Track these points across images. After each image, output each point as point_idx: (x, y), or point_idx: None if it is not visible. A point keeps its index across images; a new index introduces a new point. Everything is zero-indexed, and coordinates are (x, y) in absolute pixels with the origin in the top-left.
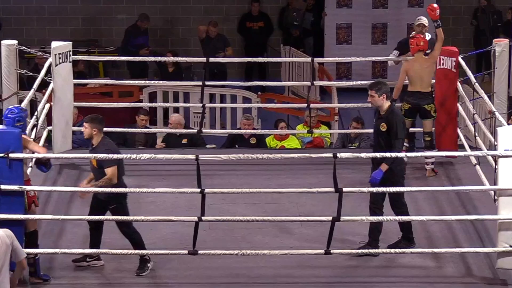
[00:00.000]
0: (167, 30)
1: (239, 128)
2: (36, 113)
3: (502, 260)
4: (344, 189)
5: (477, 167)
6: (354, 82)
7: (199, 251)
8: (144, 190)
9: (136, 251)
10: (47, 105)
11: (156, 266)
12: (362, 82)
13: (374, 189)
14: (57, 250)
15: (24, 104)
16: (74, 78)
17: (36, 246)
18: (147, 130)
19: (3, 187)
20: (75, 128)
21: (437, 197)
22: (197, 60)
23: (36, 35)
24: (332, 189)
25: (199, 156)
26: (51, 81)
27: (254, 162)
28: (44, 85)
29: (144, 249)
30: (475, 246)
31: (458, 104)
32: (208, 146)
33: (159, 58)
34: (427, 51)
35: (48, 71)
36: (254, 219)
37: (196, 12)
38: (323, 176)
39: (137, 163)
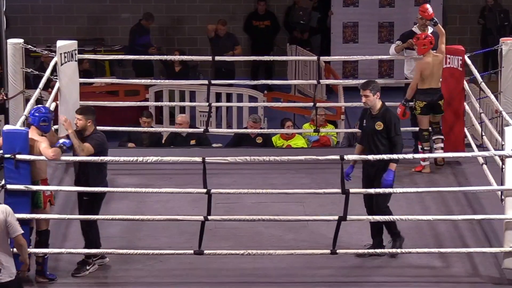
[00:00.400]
0: (174, 29)
1: (246, 127)
2: None
3: (509, 260)
4: (351, 190)
5: (484, 166)
6: (361, 81)
7: (205, 251)
8: (150, 190)
9: (141, 251)
10: (53, 104)
11: (162, 265)
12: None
13: (381, 190)
14: (63, 250)
15: (31, 103)
16: (80, 77)
17: (47, 245)
18: (154, 129)
19: (9, 186)
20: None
21: (444, 196)
22: (203, 59)
23: (42, 33)
24: (339, 190)
25: (206, 158)
26: (57, 80)
27: (260, 161)
28: (50, 84)
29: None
30: (482, 246)
31: (465, 103)
32: (214, 145)
33: (165, 57)
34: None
35: (54, 70)
36: (260, 218)
37: (202, 11)
38: (329, 175)
39: (144, 162)
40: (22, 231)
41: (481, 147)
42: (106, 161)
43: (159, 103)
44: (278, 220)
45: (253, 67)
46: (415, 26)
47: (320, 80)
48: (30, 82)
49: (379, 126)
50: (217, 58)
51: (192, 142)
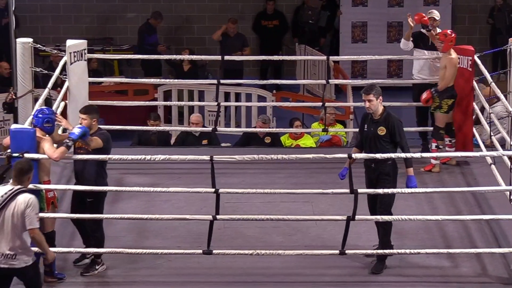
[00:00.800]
0: (182, 28)
1: (254, 127)
2: None
3: None
4: (360, 190)
5: (493, 166)
6: (370, 81)
7: (214, 251)
8: (158, 189)
9: (150, 251)
10: (62, 103)
11: (171, 265)
12: (378, 81)
13: (390, 190)
14: (71, 249)
15: (40, 102)
16: (89, 77)
17: (54, 247)
18: (162, 128)
19: None
20: (100, 127)
21: (453, 196)
22: (212, 58)
23: (51, 33)
24: (347, 190)
25: (214, 157)
26: (66, 79)
27: (268, 160)
28: (58, 83)
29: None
30: (491, 246)
31: (474, 103)
32: (222, 144)
33: (174, 56)
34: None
35: (63, 69)
36: (269, 218)
37: (211, 10)
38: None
39: (153, 162)
40: (38, 226)
41: (490, 147)
42: (108, 160)
43: (168, 103)
44: (287, 220)
45: (261, 67)
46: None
47: (329, 80)
48: (39, 81)
49: (381, 131)
50: (226, 57)
51: (204, 142)
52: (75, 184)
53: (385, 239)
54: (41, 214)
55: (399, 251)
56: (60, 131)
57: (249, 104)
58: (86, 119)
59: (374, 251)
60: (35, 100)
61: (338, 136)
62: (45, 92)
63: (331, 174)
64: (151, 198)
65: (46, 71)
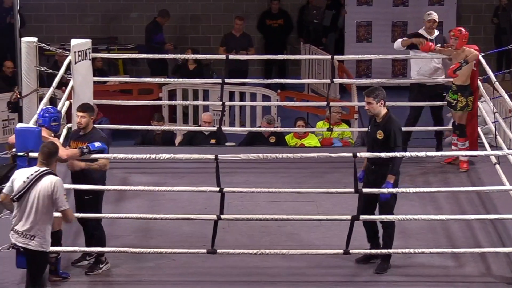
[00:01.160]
0: (187, 28)
1: (259, 127)
2: None
3: None
4: (364, 190)
5: (497, 166)
6: (374, 80)
7: (218, 250)
8: (163, 188)
9: (154, 250)
10: (67, 103)
11: (175, 264)
12: (382, 80)
13: (394, 190)
14: (76, 248)
15: (44, 102)
16: (94, 76)
17: (60, 246)
18: (167, 127)
19: None
20: (95, 126)
21: (457, 196)
22: (217, 58)
23: (56, 32)
24: (352, 190)
25: (219, 156)
26: (71, 79)
27: (273, 160)
28: (63, 82)
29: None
30: (495, 246)
31: (479, 103)
32: (227, 144)
33: (179, 55)
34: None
35: (68, 69)
36: (273, 217)
37: (216, 10)
38: (342, 174)
39: (157, 161)
40: (68, 207)
41: (495, 146)
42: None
43: (172, 102)
44: (291, 219)
45: (266, 66)
46: (422, 28)
47: (334, 79)
48: (44, 80)
49: (379, 135)
50: (231, 57)
51: (212, 141)
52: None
53: (389, 242)
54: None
55: (404, 250)
56: (64, 131)
57: (253, 103)
58: (85, 116)
59: (379, 251)
60: (40, 99)
61: (348, 142)
62: (49, 91)
63: (336, 173)
64: (155, 197)
65: (51, 70)
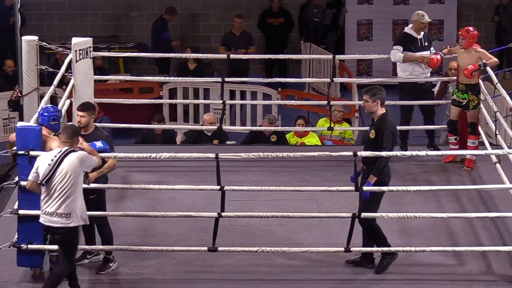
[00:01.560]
0: (188, 26)
1: (260, 125)
2: None
3: None
4: (365, 188)
5: (498, 165)
6: (375, 79)
7: (219, 248)
8: (164, 186)
9: (155, 248)
10: (68, 101)
11: (176, 262)
12: (382, 79)
13: (394, 188)
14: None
15: (45, 100)
16: (94, 74)
17: None
18: (168, 126)
19: (23, 183)
20: (96, 124)
21: (458, 194)
22: (217, 57)
23: (57, 31)
24: (352, 188)
25: (219, 154)
26: (72, 77)
27: (273, 158)
28: (64, 81)
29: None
30: (496, 244)
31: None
32: (228, 142)
33: (180, 54)
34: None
35: (69, 67)
36: (274, 215)
37: (217, 8)
38: (343, 172)
39: (158, 159)
40: (95, 162)
41: (495, 145)
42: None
43: (173, 101)
44: (292, 217)
45: (267, 65)
46: (409, 27)
47: (334, 78)
48: (45, 79)
49: (372, 134)
50: (232, 56)
51: (215, 141)
52: None
53: (374, 241)
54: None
55: (405, 248)
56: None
57: (254, 102)
58: (85, 116)
59: (380, 249)
60: (41, 98)
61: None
62: (50, 90)
63: (336, 172)
64: (156, 195)
65: (52, 69)
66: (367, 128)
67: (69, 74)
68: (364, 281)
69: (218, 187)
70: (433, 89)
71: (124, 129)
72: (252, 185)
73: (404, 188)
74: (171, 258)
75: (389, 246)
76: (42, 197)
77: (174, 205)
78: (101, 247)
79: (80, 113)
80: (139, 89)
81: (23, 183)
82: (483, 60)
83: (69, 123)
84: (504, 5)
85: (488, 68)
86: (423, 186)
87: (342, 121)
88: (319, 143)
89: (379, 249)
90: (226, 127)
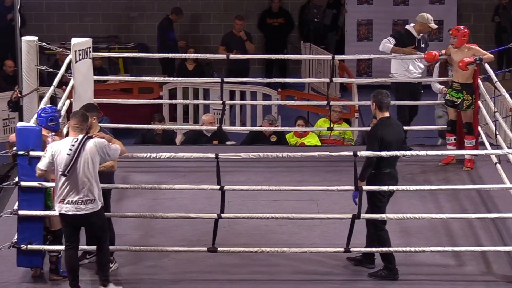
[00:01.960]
0: (188, 27)
1: (260, 126)
2: None
3: None
4: (364, 188)
5: (498, 165)
6: (374, 80)
7: (219, 249)
8: (163, 186)
9: (155, 248)
10: (67, 102)
11: (176, 262)
12: (381, 79)
13: (394, 188)
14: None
15: (45, 100)
16: (94, 75)
17: (60, 245)
18: (168, 126)
19: (23, 183)
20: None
21: (458, 195)
22: (217, 57)
23: (56, 31)
24: (352, 188)
25: (219, 154)
26: (71, 78)
27: (273, 159)
28: (64, 81)
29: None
30: (496, 245)
31: (479, 102)
32: (228, 143)
33: (179, 55)
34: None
35: (68, 68)
36: (274, 216)
37: (217, 9)
38: (343, 173)
39: (158, 160)
40: (122, 147)
41: (495, 145)
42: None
43: (173, 101)
44: (292, 218)
45: (267, 65)
46: (411, 25)
47: (333, 79)
48: (45, 79)
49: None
50: (232, 56)
51: (215, 142)
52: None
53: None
54: (49, 213)
55: (404, 249)
56: (65, 130)
57: (254, 102)
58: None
59: (379, 249)
60: (40, 98)
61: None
62: (50, 90)
63: (336, 172)
64: (156, 196)
65: (52, 69)
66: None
67: (69, 75)
68: (363, 281)
69: (218, 187)
70: (422, 91)
71: (124, 129)
72: (252, 185)
73: (404, 188)
74: (171, 258)
75: (391, 261)
76: (62, 187)
77: (174, 205)
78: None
79: None
80: (139, 89)
81: (23, 183)
82: (478, 57)
83: (77, 110)
84: (504, 5)
85: (488, 68)
86: (423, 186)
87: (341, 121)
88: (319, 143)
89: (379, 249)
90: (226, 127)
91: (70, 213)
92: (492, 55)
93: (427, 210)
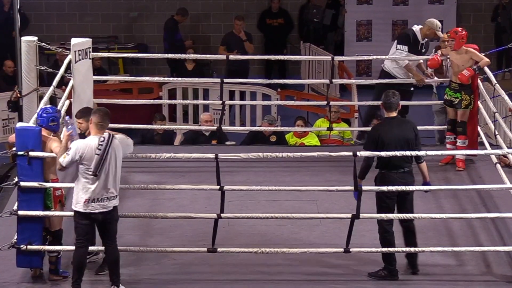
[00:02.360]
0: (187, 27)
1: (259, 126)
2: None
3: None
4: (364, 188)
5: (498, 165)
6: (374, 81)
7: (218, 249)
8: (163, 186)
9: (154, 249)
10: (67, 102)
11: (176, 263)
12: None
13: (394, 188)
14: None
15: (44, 101)
16: (93, 75)
17: (60, 245)
18: (167, 126)
19: (23, 184)
20: None
21: (458, 195)
22: (217, 57)
23: (56, 31)
24: (352, 188)
25: (219, 154)
26: (71, 78)
27: (273, 159)
28: (63, 81)
29: None
30: (496, 244)
31: (479, 102)
32: (227, 143)
33: (178, 55)
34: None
35: (68, 68)
36: (273, 216)
37: (216, 9)
38: (343, 173)
39: (157, 160)
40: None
41: (495, 145)
42: None
43: (172, 101)
44: (291, 218)
45: (266, 65)
46: (417, 29)
47: (333, 80)
48: (44, 79)
49: None
50: (231, 57)
51: (214, 142)
52: None
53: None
54: (49, 213)
55: (404, 249)
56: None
57: (254, 102)
58: (82, 122)
59: (379, 249)
60: (40, 98)
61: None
62: (49, 91)
63: (336, 172)
64: (156, 196)
65: (51, 70)
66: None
67: (69, 75)
68: (363, 281)
69: (218, 187)
70: (411, 89)
71: (123, 129)
72: (252, 185)
73: (404, 188)
74: (171, 258)
75: (391, 263)
76: (88, 185)
77: (174, 206)
78: (101, 247)
79: (78, 120)
80: (139, 89)
81: (22, 183)
82: (477, 64)
83: (99, 107)
84: (504, 5)
85: (487, 69)
86: (423, 186)
87: (340, 121)
88: (319, 144)
89: (379, 249)
90: (226, 127)
91: (97, 211)
92: (488, 60)
93: (427, 210)
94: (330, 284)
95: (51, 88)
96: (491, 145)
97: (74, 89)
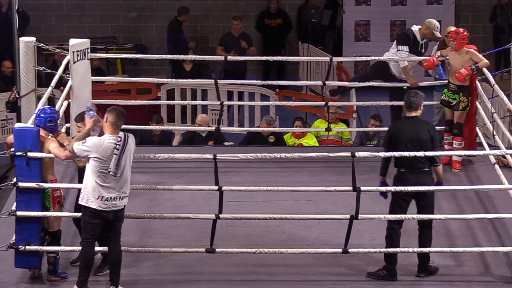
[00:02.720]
0: (186, 27)
1: (258, 126)
2: None
3: None
4: (362, 188)
5: (496, 166)
6: (368, 84)
7: (217, 249)
8: (161, 187)
9: (153, 249)
10: (65, 102)
11: (174, 263)
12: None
13: (392, 188)
14: (75, 248)
15: (43, 101)
16: (92, 75)
17: (58, 245)
18: (166, 127)
19: (21, 184)
20: None
21: (456, 195)
22: (215, 58)
23: (55, 32)
24: (350, 188)
25: (217, 155)
26: (69, 78)
27: (271, 159)
28: (62, 82)
29: None
30: (494, 245)
31: (477, 102)
32: (226, 143)
33: (177, 56)
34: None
35: (66, 68)
36: (272, 216)
37: (215, 9)
38: (341, 173)
39: (155, 160)
40: None
41: (493, 146)
42: None
43: (171, 102)
44: (290, 218)
45: (265, 66)
46: (416, 29)
47: (326, 82)
48: (43, 80)
49: None
50: (229, 57)
51: (210, 143)
52: (79, 182)
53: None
54: (47, 213)
55: (403, 249)
56: (63, 131)
57: (252, 103)
58: (81, 126)
59: (378, 250)
60: (38, 99)
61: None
62: (48, 91)
63: (334, 172)
64: (154, 196)
65: (50, 70)
66: (365, 129)
67: (67, 75)
68: (362, 281)
69: (216, 187)
70: (405, 87)
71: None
72: (250, 185)
73: (402, 188)
74: (169, 259)
75: (392, 263)
76: (103, 183)
77: (172, 206)
78: (99, 248)
79: (77, 124)
80: (137, 90)
81: (21, 184)
82: (476, 64)
83: (114, 106)
84: (502, 6)
85: (485, 70)
86: (421, 187)
87: (338, 121)
88: (317, 144)
89: (377, 250)
90: (224, 128)
91: (109, 210)
92: (487, 61)
93: None
94: (328, 285)
95: (50, 88)
96: (489, 145)
97: (72, 90)
